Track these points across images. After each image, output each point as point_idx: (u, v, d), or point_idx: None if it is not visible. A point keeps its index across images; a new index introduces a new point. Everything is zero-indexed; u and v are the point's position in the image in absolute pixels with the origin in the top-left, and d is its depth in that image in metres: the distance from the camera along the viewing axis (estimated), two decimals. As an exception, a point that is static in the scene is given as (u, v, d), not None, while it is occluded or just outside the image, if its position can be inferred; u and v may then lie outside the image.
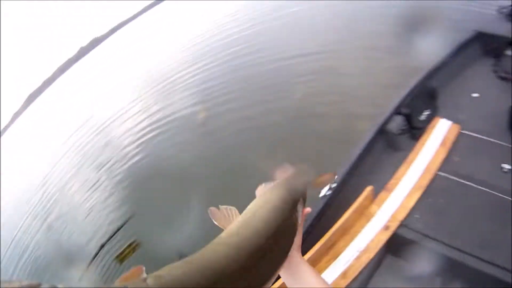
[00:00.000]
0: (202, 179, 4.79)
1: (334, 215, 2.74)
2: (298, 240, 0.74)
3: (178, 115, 6.63)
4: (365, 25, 7.22)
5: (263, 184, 0.84)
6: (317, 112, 5.17)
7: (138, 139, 6.40)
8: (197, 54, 9.17)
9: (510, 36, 4.02)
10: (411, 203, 2.72)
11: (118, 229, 4.58)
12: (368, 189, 2.74)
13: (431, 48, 3.99)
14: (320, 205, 2.78)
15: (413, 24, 6.03)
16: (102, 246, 4.35)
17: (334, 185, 2.82)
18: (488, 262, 2.31)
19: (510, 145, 3.14)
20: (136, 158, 5.92)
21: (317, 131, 4.87)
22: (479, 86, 3.77)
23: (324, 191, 2.83)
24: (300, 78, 5.97)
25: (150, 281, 0.48)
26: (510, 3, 4.38)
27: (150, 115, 7.06)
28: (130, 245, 4.30)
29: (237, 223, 0.66)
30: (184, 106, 6.79)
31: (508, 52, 4.12)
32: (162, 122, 6.64)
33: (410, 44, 5.19)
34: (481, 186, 2.79)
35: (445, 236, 2.51)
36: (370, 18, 7.48)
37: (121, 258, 4.17)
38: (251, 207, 0.73)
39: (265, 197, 0.75)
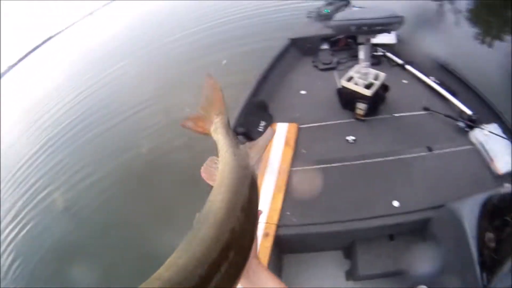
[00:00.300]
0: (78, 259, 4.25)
1: None
2: (254, 246, 0.62)
3: (34, 202, 5.76)
4: (195, 57, 7.41)
5: (205, 165, 0.73)
6: (166, 151, 5.06)
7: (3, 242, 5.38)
8: (34, 135, 8.24)
9: (321, 33, 4.49)
10: (278, 204, 2.73)
11: None
12: None
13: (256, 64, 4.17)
14: None
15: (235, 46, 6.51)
16: None
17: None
18: (372, 217, 2.50)
19: (347, 120, 3.45)
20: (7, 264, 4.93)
21: (171, 171, 4.73)
22: (306, 83, 4.05)
23: None
24: (143, 125, 5.79)
25: None
26: (316, 7, 4.88)
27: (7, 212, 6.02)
28: None
29: (180, 246, 0.52)
30: (38, 192, 5.94)
31: (323, 46, 4.56)
32: (21, 215, 5.69)
33: (237, 64, 5.48)
34: (334, 163, 2.96)
35: (323, 216, 2.60)
36: (196, 50, 7.74)
37: None
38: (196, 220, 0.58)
39: (209, 204, 0.59)
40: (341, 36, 4.40)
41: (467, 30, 7.48)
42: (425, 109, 3.42)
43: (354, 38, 3.94)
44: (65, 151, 6.70)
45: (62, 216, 5.28)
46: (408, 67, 3.99)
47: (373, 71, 3.36)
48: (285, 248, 2.72)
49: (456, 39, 6.79)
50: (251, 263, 0.62)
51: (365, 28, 2.73)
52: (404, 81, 3.88)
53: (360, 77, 3.33)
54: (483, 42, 7.13)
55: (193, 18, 10.11)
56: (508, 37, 7.23)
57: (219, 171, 0.68)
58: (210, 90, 0.83)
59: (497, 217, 1.79)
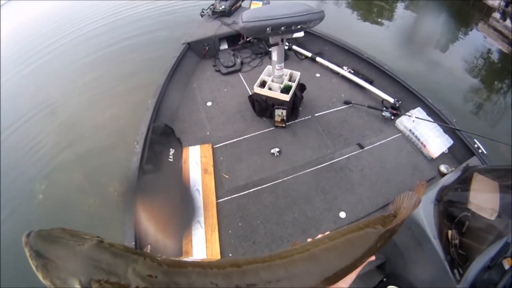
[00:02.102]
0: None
1: None
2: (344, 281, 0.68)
3: None
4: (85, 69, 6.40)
5: None
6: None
7: None
8: None
9: (218, 33, 3.99)
10: (217, 247, 2.28)
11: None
12: None
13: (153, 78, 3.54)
14: None
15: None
16: None
17: None
18: None
19: (266, 129, 3.05)
20: None
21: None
22: (211, 92, 3.54)
23: None
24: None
25: None
26: (210, 4, 4.35)
27: None
28: None
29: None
30: None
31: (222, 47, 4.06)
32: None
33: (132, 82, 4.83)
34: (264, 184, 2.60)
35: (268, 247, 2.26)
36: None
37: None
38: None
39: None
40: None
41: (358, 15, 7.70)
42: (346, 102, 3.20)
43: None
44: None
45: None
46: (318, 59, 3.71)
47: (287, 71, 3.00)
48: None
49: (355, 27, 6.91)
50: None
51: (283, 28, 2.31)
52: (317, 75, 3.60)
53: (274, 80, 2.94)
54: (374, 22, 7.39)
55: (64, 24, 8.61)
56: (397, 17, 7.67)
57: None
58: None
59: (454, 210, 1.71)
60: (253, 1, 4.06)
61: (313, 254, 0.65)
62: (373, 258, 0.71)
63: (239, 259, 0.60)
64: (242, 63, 3.84)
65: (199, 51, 3.96)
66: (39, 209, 3.74)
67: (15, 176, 4.21)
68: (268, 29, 2.28)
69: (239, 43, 4.02)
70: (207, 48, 3.92)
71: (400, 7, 8.37)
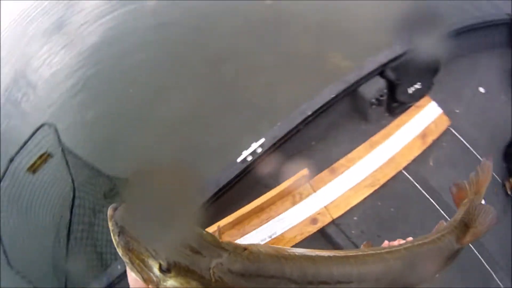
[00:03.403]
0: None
1: (253, 185, 2.20)
2: None
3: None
4: None
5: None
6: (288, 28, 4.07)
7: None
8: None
9: None
10: (353, 201, 2.08)
11: (27, 141, 3.54)
12: (303, 172, 2.06)
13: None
14: (236, 170, 2.09)
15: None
16: (11, 160, 3.43)
17: (259, 149, 2.11)
18: None
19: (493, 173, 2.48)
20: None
21: (284, 51, 3.86)
22: (490, 81, 2.82)
23: (247, 153, 2.11)
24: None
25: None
26: None
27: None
28: (41, 156, 3.52)
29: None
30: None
31: None
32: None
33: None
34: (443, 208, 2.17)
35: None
36: None
37: (32, 169, 3.52)
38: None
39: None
40: None
41: None
42: None
43: None
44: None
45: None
46: None
47: None
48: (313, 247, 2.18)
49: None
50: None
51: None
52: None
53: None
54: None
55: None
56: None
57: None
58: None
59: None
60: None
61: (386, 261, 0.69)
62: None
63: (313, 254, 0.66)
64: None
65: None
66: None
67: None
68: None
69: None
70: None
71: None
